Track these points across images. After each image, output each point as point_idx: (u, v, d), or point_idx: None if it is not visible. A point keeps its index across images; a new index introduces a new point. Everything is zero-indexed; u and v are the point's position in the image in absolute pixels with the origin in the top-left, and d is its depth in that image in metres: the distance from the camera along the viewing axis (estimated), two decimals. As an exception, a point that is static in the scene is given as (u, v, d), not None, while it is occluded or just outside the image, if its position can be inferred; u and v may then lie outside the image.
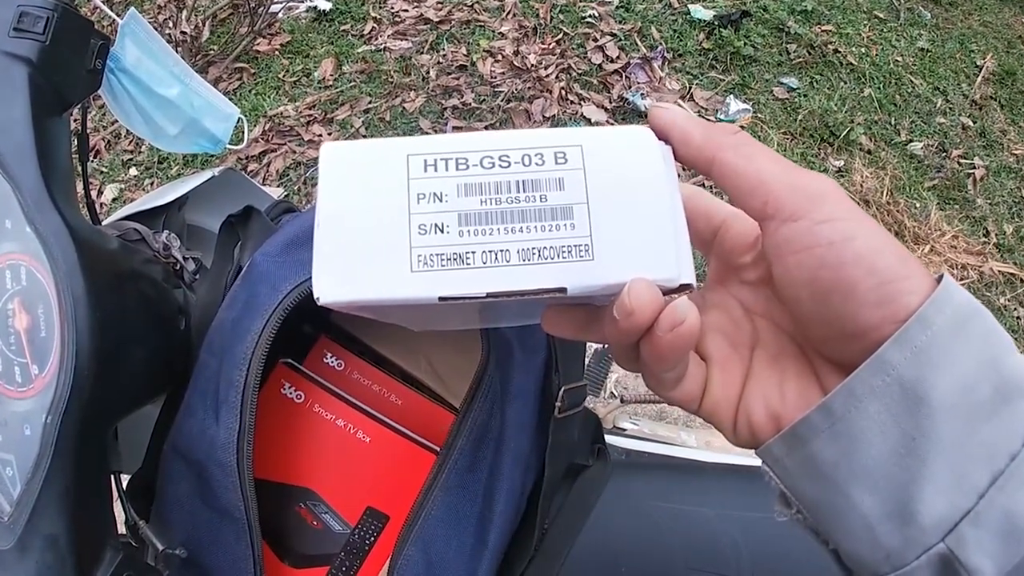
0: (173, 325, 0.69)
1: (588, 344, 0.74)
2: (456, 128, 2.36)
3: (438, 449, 0.74)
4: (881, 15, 3.06)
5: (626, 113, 2.48)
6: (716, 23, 2.73)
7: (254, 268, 0.67)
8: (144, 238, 0.71)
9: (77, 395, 0.54)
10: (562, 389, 0.71)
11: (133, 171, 2.34)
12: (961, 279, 2.38)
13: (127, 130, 2.41)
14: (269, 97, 2.43)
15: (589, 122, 2.43)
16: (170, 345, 0.68)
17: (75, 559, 0.55)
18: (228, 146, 0.85)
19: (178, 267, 0.74)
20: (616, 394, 1.98)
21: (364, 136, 2.33)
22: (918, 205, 2.54)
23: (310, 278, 0.64)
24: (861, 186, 2.50)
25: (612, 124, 2.44)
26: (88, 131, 0.72)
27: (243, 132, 0.87)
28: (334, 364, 0.76)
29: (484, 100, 2.45)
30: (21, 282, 0.56)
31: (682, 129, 0.38)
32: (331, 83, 2.48)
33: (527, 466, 0.70)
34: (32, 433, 0.55)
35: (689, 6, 2.79)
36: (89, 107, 0.74)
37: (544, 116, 2.41)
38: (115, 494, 0.64)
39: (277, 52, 2.54)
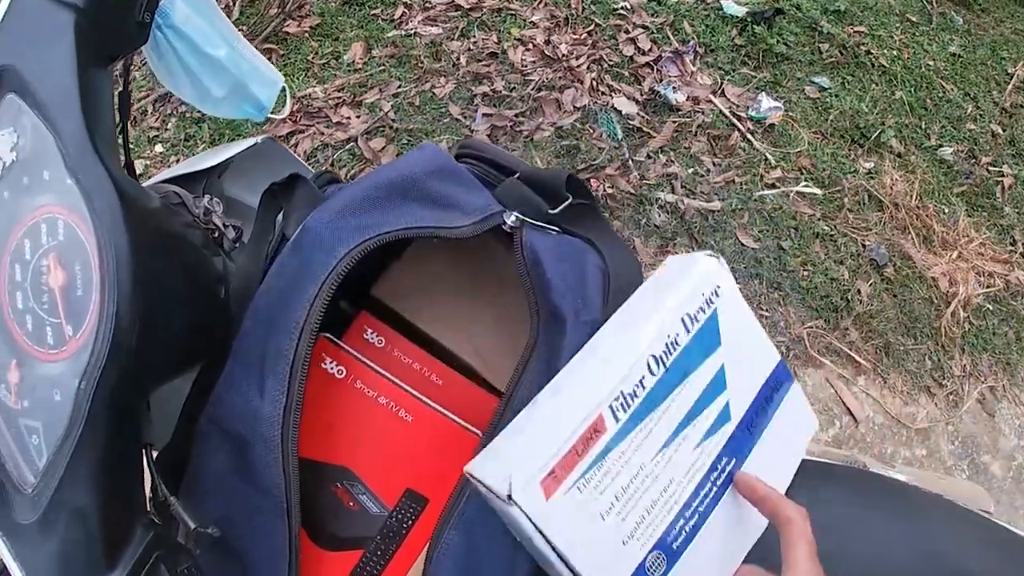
0: (212, 292, 0.66)
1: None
2: (485, 115, 2.33)
3: (480, 432, 0.71)
4: (913, 18, 3.02)
5: (657, 106, 2.44)
6: (749, 20, 2.69)
7: (307, 234, 0.64)
8: (184, 202, 0.69)
9: (115, 360, 0.51)
10: None
11: (159, 148, 2.31)
12: (987, 287, 2.35)
13: (153, 106, 2.39)
14: (298, 79, 2.40)
15: (620, 114, 2.40)
16: (208, 313, 0.65)
17: (103, 536, 0.52)
18: (270, 115, 0.83)
19: (217, 234, 0.71)
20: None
21: (392, 121, 2.30)
22: (946, 210, 2.50)
23: (365, 241, 0.62)
24: (891, 189, 2.46)
25: (642, 116, 2.42)
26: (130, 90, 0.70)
27: (286, 100, 0.84)
28: (374, 340, 0.74)
29: (514, 88, 2.41)
30: (58, 237, 0.53)
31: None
32: (360, 66, 2.44)
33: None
34: (62, 399, 0.52)
35: (722, 1, 2.75)
36: (132, 65, 0.72)
37: (575, 106, 2.37)
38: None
39: (307, 34, 2.51)
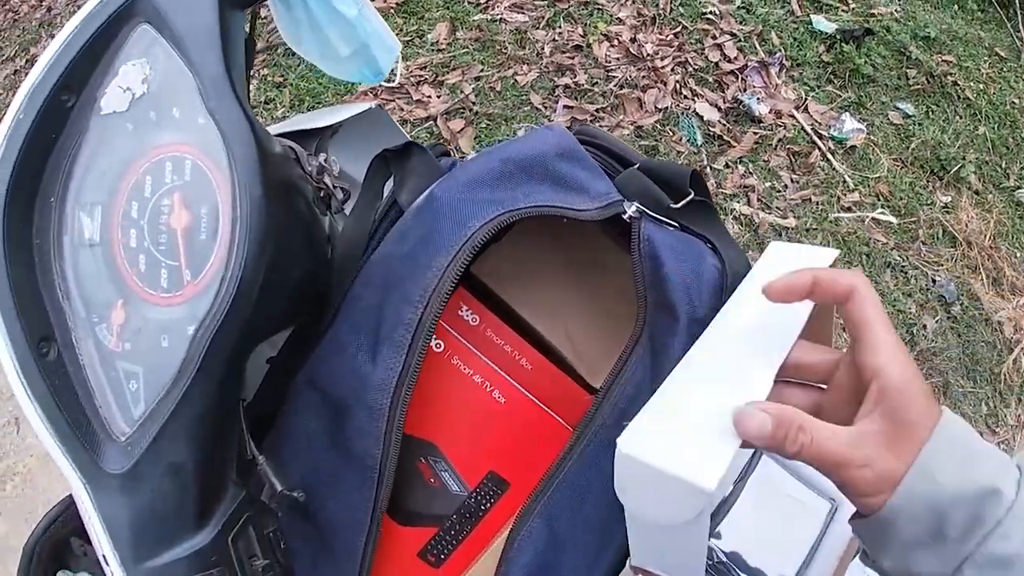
0: (321, 251, 0.65)
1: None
2: (566, 107, 2.31)
3: (569, 425, 0.70)
4: (1002, 53, 2.94)
5: (739, 116, 2.41)
6: (838, 37, 2.64)
7: (436, 201, 0.63)
8: (299, 157, 0.68)
9: (238, 309, 0.50)
10: None
11: (237, 108, 2.33)
12: (1052, 340, 2.30)
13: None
14: (380, 52, 2.40)
15: (701, 119, 2.37)
16: (318, 270, 0.64)
17: (197, 493, 0.51)
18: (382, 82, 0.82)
19: (324, 194, 0.70)
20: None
21: (473, 103, 2.30)
22: (1019, 255, 2.44)
23: (499, 215, 0.60)
24: (966, 226, 2.41)
25: (723, 124, 2.39)
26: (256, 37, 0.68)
27: (397, 67, 0.83)
28: (468, 318, 0.72)
29: (596, 83, 2.39)
30: (184, 176, 0.52)
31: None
32: (444, 47, 2.44)
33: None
34: (171, 345, 0.50)
35: (812, 16, 2.71)
36: (259, 15, 0.71)
37: (656, 107, 2.34)
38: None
39: (392, 10, 2.51)
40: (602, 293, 0.76)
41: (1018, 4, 3.05)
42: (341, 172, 0.83)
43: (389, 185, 0.71)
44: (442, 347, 0.69)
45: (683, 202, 0.67)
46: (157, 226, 0.52)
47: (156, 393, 0.50)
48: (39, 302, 0.52)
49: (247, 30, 0.67)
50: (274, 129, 0.76)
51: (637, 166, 0.70)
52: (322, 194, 0.70)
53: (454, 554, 0.68)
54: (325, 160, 0.69)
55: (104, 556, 0.49)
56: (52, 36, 0.53)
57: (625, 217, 0.64)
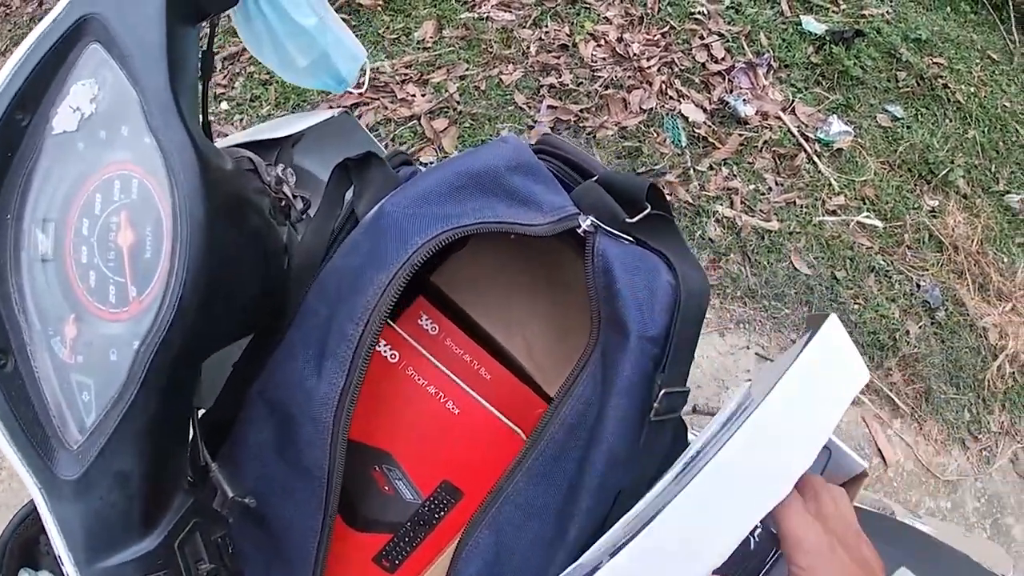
0: (277, 263, 0.66)
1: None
2: (550, 107, 2.31)
3: (524, 435, 0.70)
4: (995, 56, 2.94)
5: (724, 117, 2.41)
6: (828, 38, 2.64)
7: (384, 217, 0.63)
8: (256, 168, 0.68)
9: (178, 327, 0.50)
10: (662, 391, 0.66)
11: (224, 105, 2.33)
12: (1039, 345, 2.30)
13: (222, 64, 2.40)
14: (367, 51, 2.39)
15: (686, 120, 2.38)
16: (271, 283, 0.65)
17: (144, 501, 0.52)
18: (349, 88, 0.82)
19: (284, 204, 0.70)
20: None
21: (457, 103, 2.30)
22: (1006, 260, 2.44)
23: (442, 232, 0.61)
24: (953, 230, 2.41)
25: (708, 126, 2.39)
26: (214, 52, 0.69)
27: (364, 75, 0.83)
28: (428, 327, 0.73)
29: (582, 83, 2.39)
30: (131, 195, 0.52)
31: None
32: (430, 45, 2.44)
33: (626, 468, 0.65)
34: (119, 359, 0.52)
35: (801, 17, 2.70)
36: (218, 25, 0.71)
37: (641, 108, 2.34)
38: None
39: (379, 7, 2.50)
40: (563, 303, 0.76)
41: (1012, 6, 3.04)
42: (310, 179, 0.84)
43: (352, 193, 0.71)
44: (397, 357, 0.69)
45: (639, 216, 0.67)
46: (106, 243, 0.53)
47: (105, 405, 0.51)
48: None
49: (205, 42, 0.68)
50: (236, 139, 0.76)
51: (596, 178, 0.70)
52: (282, 204, 0.70)
53: (408, 560, 0.69)
54: (283, 171, 0.69)
55: (59, 556, 0.51)
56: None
57: (579, 231, 0.64)
